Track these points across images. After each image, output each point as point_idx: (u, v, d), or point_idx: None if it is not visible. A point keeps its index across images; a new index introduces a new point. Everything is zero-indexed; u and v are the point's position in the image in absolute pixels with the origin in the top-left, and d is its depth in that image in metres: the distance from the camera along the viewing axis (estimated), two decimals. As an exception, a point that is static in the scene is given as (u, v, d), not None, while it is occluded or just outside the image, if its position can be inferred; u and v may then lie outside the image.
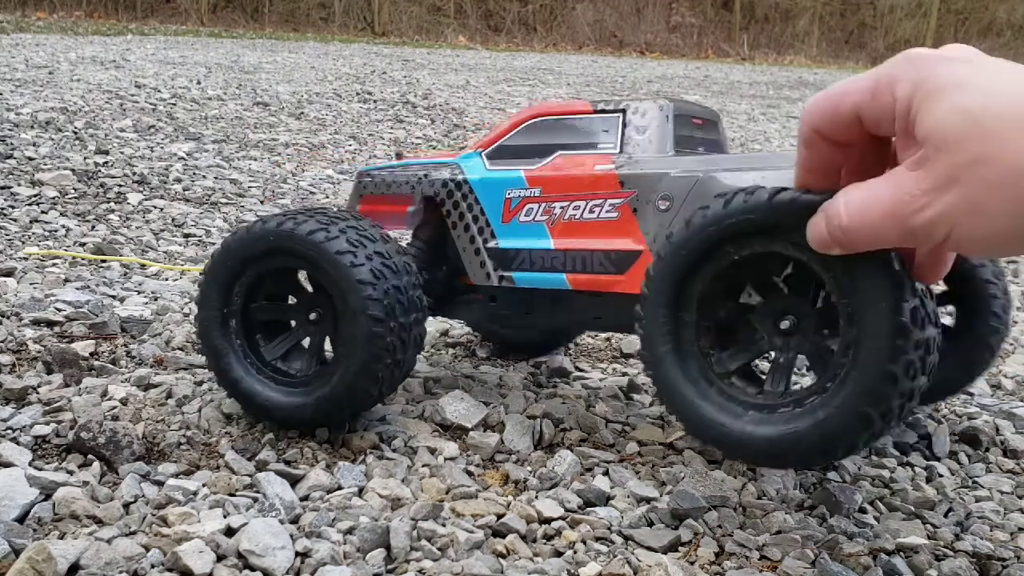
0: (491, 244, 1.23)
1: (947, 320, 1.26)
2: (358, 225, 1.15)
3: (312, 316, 1.18)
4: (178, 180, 2.70)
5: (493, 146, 1.26)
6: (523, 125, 1.24)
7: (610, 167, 1.16)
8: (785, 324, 0.94)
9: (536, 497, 1.10)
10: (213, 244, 2.15)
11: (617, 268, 1.15)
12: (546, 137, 1.22)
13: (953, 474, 1.23)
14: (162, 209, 2.38)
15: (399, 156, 1.39)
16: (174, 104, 4.17)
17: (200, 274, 1.25)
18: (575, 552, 0.99)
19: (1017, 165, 0.57)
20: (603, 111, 1.19)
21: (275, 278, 1.19)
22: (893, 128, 0.67)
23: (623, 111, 1.18)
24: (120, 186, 2.54)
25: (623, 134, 1.17)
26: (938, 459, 1.27)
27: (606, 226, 1.16)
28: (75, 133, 3.17)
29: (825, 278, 0.86)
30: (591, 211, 1.16)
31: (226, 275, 1.17)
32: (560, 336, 1.59)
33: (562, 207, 1.18)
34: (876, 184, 0.68)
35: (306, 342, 1.21)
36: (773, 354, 0.96)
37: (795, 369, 1.02)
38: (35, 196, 2.34)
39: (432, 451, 1.18)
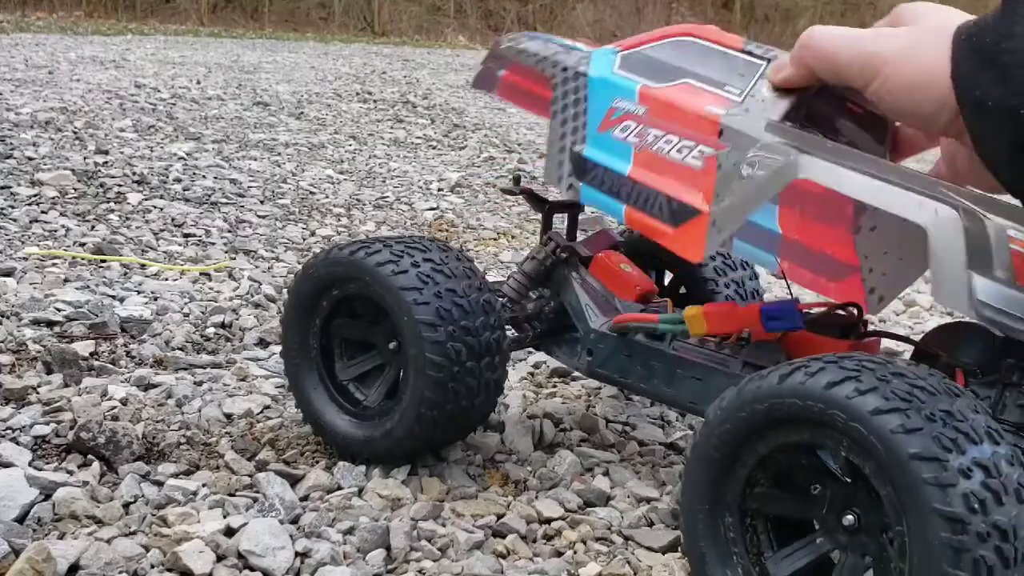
0: (577, 148, 1.11)
1: None
2: (436, 258, 1.09)
3: (392, 345, 1.11)
4: (178, 180, 2.70)
5: (633, 50, 1.11)
6: (671, 39, 1.09)
7: (720, 111, 1.00)
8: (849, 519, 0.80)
9: (536, 497, 1.10)
10: (213, 244, 2.15)
11: (671, 219, 1.01)
12: (684, 59, 1.07)
13: None
14: (162, 209, 2.38)
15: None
16: (174, 104, 4.17)
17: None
18: (575, 552, 1.00)
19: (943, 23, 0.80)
20: (749, 53, 1.02)
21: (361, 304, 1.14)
22: None
23: (768, 60, 1.00)
24: (120, 186, 2.54)
25: (755, 83, 1.00)
26: None
27: (685, 172, 1.01)
28: (75, 133, 3.17)
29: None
30: (679, 151, 1.02)
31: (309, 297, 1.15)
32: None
33: (655, 136, 1.04)
34: None
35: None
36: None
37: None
38: (35, 196, 2.34)
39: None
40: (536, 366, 1.55)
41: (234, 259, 2.06)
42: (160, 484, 1.06)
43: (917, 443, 0.70)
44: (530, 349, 1.38)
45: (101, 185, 2.52)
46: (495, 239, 2.47)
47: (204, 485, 1.06)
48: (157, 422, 1.22)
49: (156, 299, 1.72)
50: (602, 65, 1.12)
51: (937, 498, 0.68)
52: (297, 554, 0.94)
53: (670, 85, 1.05)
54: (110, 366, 1.40)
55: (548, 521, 1.06)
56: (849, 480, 0.78)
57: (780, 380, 0.78)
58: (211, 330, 1.60)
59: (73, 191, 2.43)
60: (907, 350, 1.09)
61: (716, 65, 1.04)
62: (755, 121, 0.96)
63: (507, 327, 1.14)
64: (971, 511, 0.68)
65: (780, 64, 0.95)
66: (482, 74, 1.27)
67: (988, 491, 0.68)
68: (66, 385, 1.31)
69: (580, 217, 1.34)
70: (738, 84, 1.01)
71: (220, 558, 0.93)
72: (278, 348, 1.54)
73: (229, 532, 0.96)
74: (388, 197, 2.84)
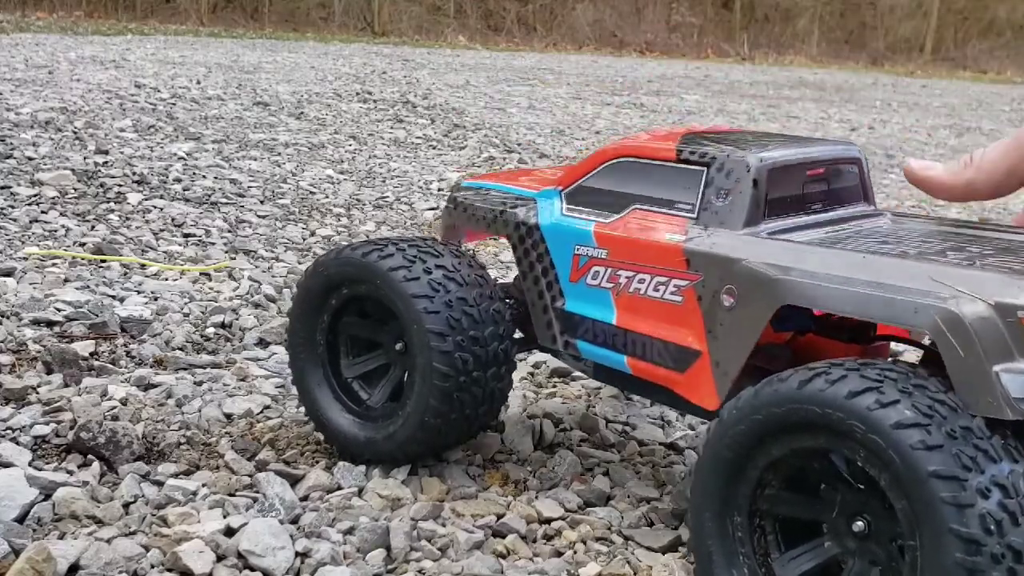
0: (558, 304, 1.07)
1: None
2: (449, 264, 1.07)
3: (398, 346, 1.10)
4: (178, 180, 2.70)
5: (573, 185, 1.07)
6: (605, 165, 1.04)
7: (679, 238, 0.94)
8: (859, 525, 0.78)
9: (536, 497, 1.10)
10: (213, 244, 2.15)
11: (676, 365, 0.96)
12: (625, 184, 1.02)
13: None
14: (162, 209, 2.38)
15: None
16: (174, 104, 4.17)
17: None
18: (575, 552, 1.00)
19: None
20: (686, 161, 0.96)
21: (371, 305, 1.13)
22: None
23: (708, 165, 0.95)
24: (120, 186, 2.53)
25: (703, 195, 0.94)
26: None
27: (669, 310, 0.96)
28: (75, 133, 3.17)
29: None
30: (655, 289, 0.97)
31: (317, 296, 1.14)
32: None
33: (627, 277, 0.99)
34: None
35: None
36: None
37: None
38: (35, 196, 2.34)
39: (432, 451, 1.18)
40: (536, 366, 1.55)
41: (234, 259, 2.06)
42: (160, 484, 1.06)
43: (937, 461, 0.69)
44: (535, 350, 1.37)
45: (101, 185, 2.52)
46: (495, 239, 2.47)
47: (204, 485, 1.06)
48: (157, 422, 1.22)
49: (156, 299, 1.72)
50: (549, 210, 1.08)
51: (954, 518, 0.68)
52: (297, 554, 0.94)
53: (621, 217, 1.01)
54: (110, 366, 1.40)
55: (548, 521, 1.06)
56: (862, 487, 0.77)
57: (800, 385, 0.76)
58: (211, 330, 1.60)
59: (73, 191, 2.43)
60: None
61: (658, 183, 0.99)
62: (718, 240, 0.92)
63: (514, 329, 1.13)
64: (987, 532, 0.67)
65: (929, 164, 0.90)
66: (445, 234, 1.25)
67: (1005, 512, 0.68)
68: (66, 385, 1.31)
69: None
70: (687, 198, 0.96)
71: (220, 558, 0.93)
72: (278, 348, 1.55)
73: (229, 532, 0.96)
74: (388, 197, 2.84)
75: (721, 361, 0.92)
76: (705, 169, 0.95)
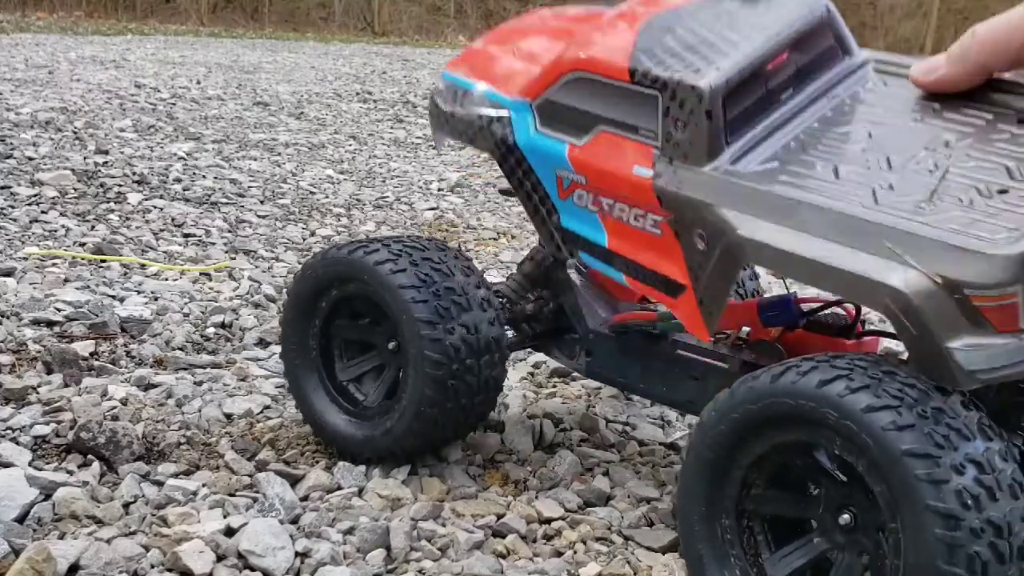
0: (554, 218, 1.06)
1: None
2: (435, 257, 1.08)
3: (391, 345, 1.11)
4: (178, 180, 2.70)
5: (541, 98, 1.02)
6: (565, 79, 0.99)
7: (647, 173, 0.91)
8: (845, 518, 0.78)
9: (536, 497, 1.10)
10: (213, 244, 2.15)
11: (668, 291, 0.96)
12: (588, 102, 0.97)
13: None
14: (162, 209, 2.38)
15: None
16: (174, 104, 4.17)
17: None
18: (575, 552, 1.00)
19: None
20: (640, 84, 0.91)
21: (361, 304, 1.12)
22: None
23: (661, 91, 0.90)
24: (120, 186, 2.54)
25: (663, 124, 0.90)
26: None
27: (651, 241, 0.95)
28: (75, 133, 3.17)
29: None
30: (636, 219, 0.96)
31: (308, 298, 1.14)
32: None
33: (609, 204, 0.98)
34: None
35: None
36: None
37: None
38: (35, 196, 2.34)
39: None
40: (536, 366, 1.55)
41: (234, 259, 2.06)
42: (160, 484, 1.06)
43: (909, 439, 0.70)
44: (530, 349, 1.38)
45: (101, 185, 2.52)
46: (495, 239, 2.47)
47: (204, 485, 1.06)
48: (157, 422, 1.22)
49: (156, 299, 1.72)
50: (524, 127, 1.05)
51: (930, 495, 0.68)
52: (297, 554, 0.94)
53: (590, 140, 0.98)
54: (110, 366, 1.40)
55: (548, 521, 1.06)
56: (844, 479, 0.78)
57: (772, 380, 0.78)
58: (211, 330, 1.60)
59: (73, 191, 2.43)
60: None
61: (619, 104, 0.95)
62: (684, 178, 0.89)
63: (506, 327, 1.14)
64: (964, 507, 0.68)
65: (933, 66, 0.85)
66: (437, 137, 1.21)
67: (981, 487, 0.69)
68: (66, 385, 1.31)
69: None
70: (649, 124, 0.92)
71: (220, 558, 0.93)
72: (278, 348, 1.54)
73: (229, 532, 0.96)
74: (388, 197, 2.84)
75: (704, 299, 0.92)
76: (659, 95, 0.90)
